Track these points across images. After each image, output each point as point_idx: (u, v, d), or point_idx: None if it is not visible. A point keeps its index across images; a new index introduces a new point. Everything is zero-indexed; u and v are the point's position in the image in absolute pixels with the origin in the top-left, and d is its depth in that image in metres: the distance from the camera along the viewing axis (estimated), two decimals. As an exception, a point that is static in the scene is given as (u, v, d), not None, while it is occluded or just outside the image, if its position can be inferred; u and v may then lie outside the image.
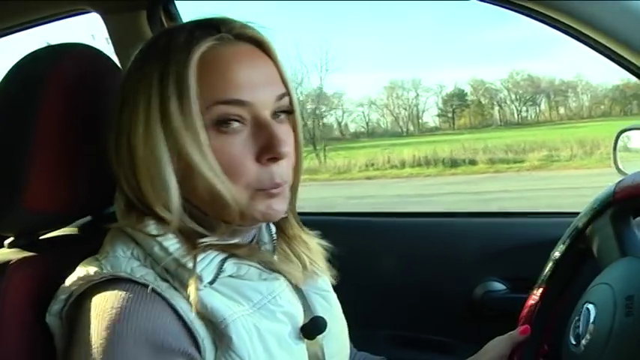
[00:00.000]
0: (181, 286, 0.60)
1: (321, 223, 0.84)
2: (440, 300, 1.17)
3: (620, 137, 1.16)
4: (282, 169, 0.65)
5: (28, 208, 0.69)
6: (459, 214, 1.38)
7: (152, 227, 0.63)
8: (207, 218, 0.66)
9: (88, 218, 0.85)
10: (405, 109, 15.48)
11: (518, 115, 15.52)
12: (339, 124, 15.27)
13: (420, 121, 15.87)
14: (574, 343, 0.68)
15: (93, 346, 0.56)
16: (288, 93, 0.67)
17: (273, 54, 0.68)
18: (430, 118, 15.94)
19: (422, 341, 1.23)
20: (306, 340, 0.68)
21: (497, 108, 15.43)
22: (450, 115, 15.58)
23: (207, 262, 0.62)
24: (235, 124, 0.62)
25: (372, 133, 15.45)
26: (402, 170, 11.02)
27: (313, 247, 0.77)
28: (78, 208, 0.77)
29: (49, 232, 0.80)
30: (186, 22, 0.69)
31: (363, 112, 15.52)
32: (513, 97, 15.36)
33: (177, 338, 0.59)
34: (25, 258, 0.70)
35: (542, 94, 15.42)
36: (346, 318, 0.83)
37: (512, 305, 0.91)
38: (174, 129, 0.62)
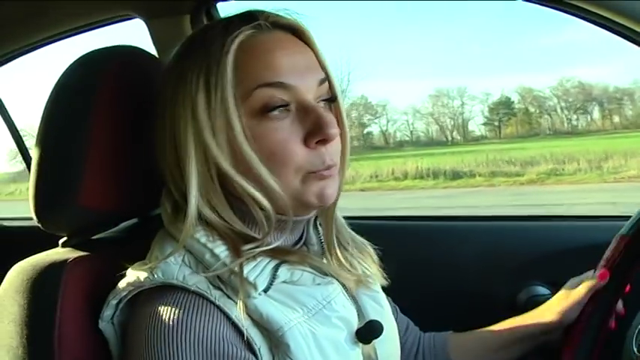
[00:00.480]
0: (235, 293, 0.60)
1: (364, 226, 0.82)
2: (484, 304, 1.14)
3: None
4: (332, 151, 0.65)
5: (83, 206, 0.70)
6: (504, 217, 1.35)
7: (202, 233, 0.63)
8: (257, 214, 0.64)
9: (134, 220, 0.86)
10: (451, 118, 15.19)
11: (568, 124, 14.94)
12: (383, 132, 15.19)
13: (466, 129, 15.55)
14: (636, 352, 0.66)
15: (148, 356, 0.56)
16: (328, 79, 0.66)
17: (311, 41, 0.67)
18: (476, 127, 15.61)
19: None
20: (361, 343, 0.67)
21: (545, 116, 14.98)
22: (496, 123, 15.18)
23: (260, 269, 0.61)
24: (279, 109, 0.62)
25: (416, 142, 15.25)
26: (399, 182, 10.55)
27: (361, 248, 0.77)
28: (128, 208, 0.78)
29: (100, 232, 0.81)
30: (219, 19, 0.69)
31: (407, 121, 15.35)
32: (563, 105, 14.80)
33: (235, 345, 0.58)
34: (81, 257, 0.72)
35: (593, 101, 14.77)
36: None
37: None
38: (217, 121, 0.61)
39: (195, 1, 1.13)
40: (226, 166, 0.63)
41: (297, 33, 0.66)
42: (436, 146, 14.25)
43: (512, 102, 15.40)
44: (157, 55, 1.15)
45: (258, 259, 0.62)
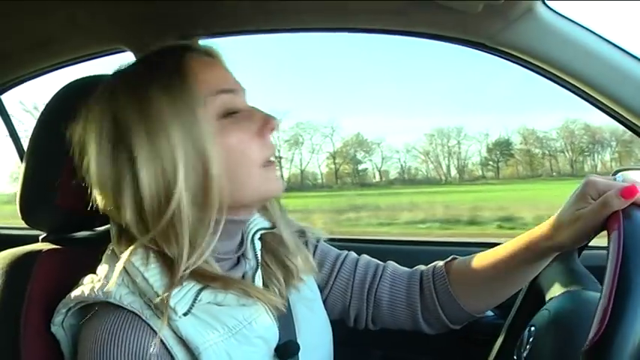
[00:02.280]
0: (162, 314, 0.67)
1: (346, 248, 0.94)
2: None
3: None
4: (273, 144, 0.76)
5: (60, 206, 0.83)
6: (443, 243, 1.45)
7: (138, 257, 0.70)
8: (204, 210, 0.69)
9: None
10: (445, 158, 15.07)
11: (572, 166, 14.75)
12: (379, 170, 15.12)
13: (464, 169, 15.36)
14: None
15: None
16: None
17: (225, 64, 0.78)
18: (473, 167, 15.40)
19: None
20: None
21: (547, 158, 14.69)
22: (493, 164, 15.06)
23: (182, 294, 0.68)
24: (235, 113, 0.73)
25: (411, 180, 15.07)
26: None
27: (298, 249, 0.84)
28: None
29: (77, 231, 0.92)
30: (161, 47, 0.78)
31: (399, 159, 15.24)
32: (568, 147, 14.54)
33: (164, 359, 0.67)
34: (55, 249, 0.85)
35: (600, 144, 14.56)
36: (343, 336, 0.90)
37: (499, 331, 0.94)
38: (176, 134, 0.67)
39: (178, 36, 1.21)
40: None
41: (216, 57, 0.78)
42: (428, 185, 14.13)
43: (510, 143, 15.12)
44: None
45: (183, 284, 0.69)
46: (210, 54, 0.77)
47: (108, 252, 0.73)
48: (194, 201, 0.68)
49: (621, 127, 0.97)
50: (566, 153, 14.35)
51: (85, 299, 0.69)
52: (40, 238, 0.90)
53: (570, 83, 0.99)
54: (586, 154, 14.51)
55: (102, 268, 0.71)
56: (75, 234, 0.92)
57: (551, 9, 0.95)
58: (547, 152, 14.52)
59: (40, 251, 0.83)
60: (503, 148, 14.81)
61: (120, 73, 0.76)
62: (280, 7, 1.14)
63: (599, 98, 0.97)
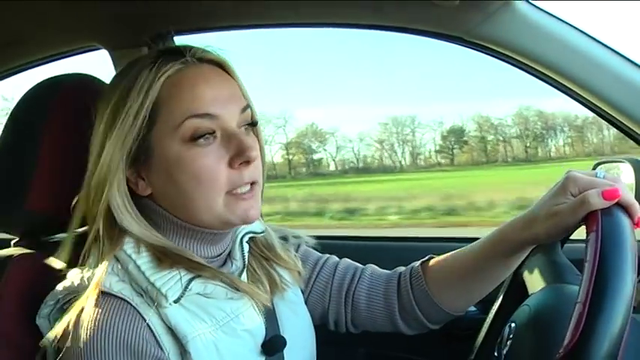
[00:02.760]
0: (152, 301, 0.68)
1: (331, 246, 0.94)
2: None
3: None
4: (252, 172, 0.72)
5: (30, 209, 0.81)
6: (425, 238, 1.46)
7: (129, 246, 0.71)
8: (183, 229, 0.73)
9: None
10: (400, 146, 14.98)
11: (525, 152, 14.66)
12: (333, 159, 15.09)
13: (420, 156, 15.35)
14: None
15: (78, 354, 0.65)
16: (249, 106, 0.75)
17: (233, 72, 0.76)
18: (428, 155, 15.42)
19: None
20: (265, 356, 0.75)
21: (501, 144, 14.71)
22: (449, 151, 14.98)
23: (174, 282, 0.69)
24: (207, 137, 0.70)
25: (366, 169, 15.07)
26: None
27: (286, 260, 0.84)
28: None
29: (49, 235, 0.88)
30: (152, 51, 0.77)
31: (352, 148, 15.22)
32: (520, 133, 14.61)
33: (152, 345, 0.67)
34: (26, 254, 0.82)
35: (553, 130, 14.66)
36: (327, 335, 0.90)
37: (481, 326, 0.94)
38: (126, 144, 0.70)
39: (152, 33, 1.23)
40: (148, 187, 0.73)
41: (220, 66, 0.75)
42: (381, 173, 14.09)
43: (464, 130, 15.07)
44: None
45: (174, 272, 0.70)
46: (212, 63, 0.75)
47: (93, 249, 0.73)
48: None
49: (573, 113, 0.99)
50: (520, 139, 14.50)
51: (75, 289, 0.69)
52: (13, 242, 0.87)
53: (547, 75, 0.99)
54: (539, 140, 14.72)
55: (89, 261, 0.71)
56: (49, 237, 0.89)
57: (527, 1, 0.96)
58: (502, 138, 14.66)
59: (11, 256, 0.80)
60: (457, 135, 14.87)
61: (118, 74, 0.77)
62: (255, 4, 1.14)
63: (575, 90, 0.97)
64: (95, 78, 0.92)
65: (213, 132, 0.71)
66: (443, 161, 14.79)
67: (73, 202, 0.74)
